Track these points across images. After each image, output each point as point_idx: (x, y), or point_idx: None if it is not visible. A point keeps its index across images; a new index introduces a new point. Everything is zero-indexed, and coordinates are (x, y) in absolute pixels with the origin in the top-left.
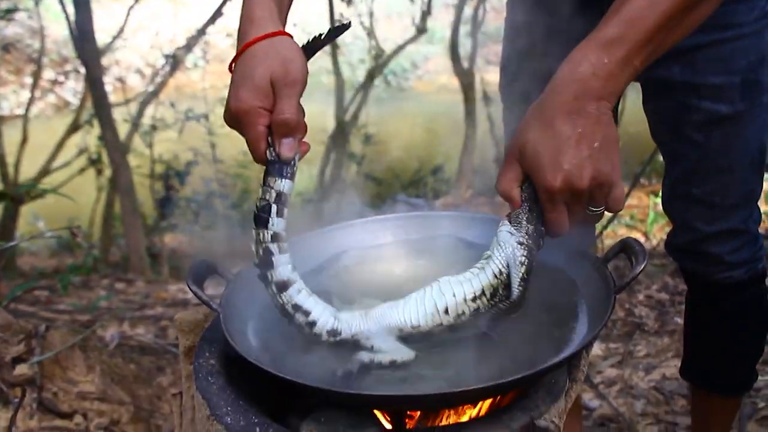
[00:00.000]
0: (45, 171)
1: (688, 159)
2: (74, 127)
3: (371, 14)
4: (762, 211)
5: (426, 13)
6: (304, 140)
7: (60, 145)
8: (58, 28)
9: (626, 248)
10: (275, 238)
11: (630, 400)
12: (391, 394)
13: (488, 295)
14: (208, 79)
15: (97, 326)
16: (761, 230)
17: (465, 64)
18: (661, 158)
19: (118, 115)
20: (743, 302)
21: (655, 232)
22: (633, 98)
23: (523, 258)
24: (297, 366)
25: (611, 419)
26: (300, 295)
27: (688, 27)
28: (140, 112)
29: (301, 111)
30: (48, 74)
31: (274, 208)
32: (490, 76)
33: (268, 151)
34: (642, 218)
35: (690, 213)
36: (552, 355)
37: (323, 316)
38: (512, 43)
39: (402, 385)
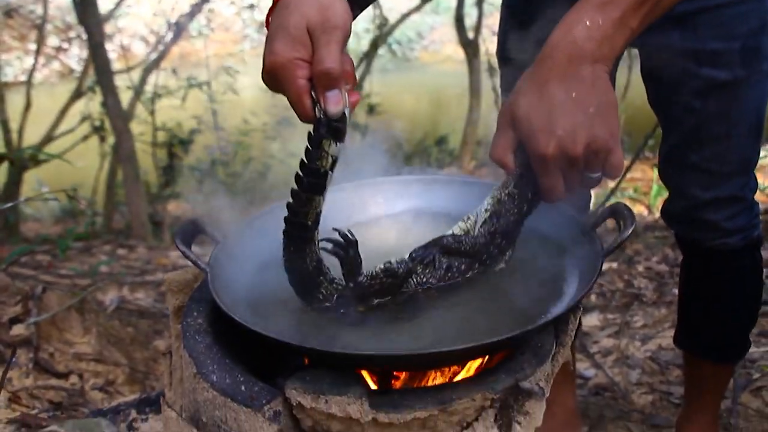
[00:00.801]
0: (48, 137)
1: (686, 125)
2: (77, 94)
3: None
4: (759, 181)
5: None
6: (354, 91)
7: (63, 112)
8: None
9: (615, 213)
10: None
11: (625, 370)
12: (374, 353)
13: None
14: (212, 47)
15: (93, 289)
16: (757, 199)
17: (470, 35)
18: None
19: (122, 82)
20: (738, 269)
21: (659, 204)
22: (638, 69)
23: (489, 206)
24: (285, 326)
25: (606, 388)
26: None
27: None
28: (143, 80)
29: (348, 59)
30: (52, 41)
31: (329, 175)
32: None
33: (316, 108)
34: (645, 191)
35: (686, 180)
36: (538, 317)
37: None
38: (509, 8)
39: (387, 345)
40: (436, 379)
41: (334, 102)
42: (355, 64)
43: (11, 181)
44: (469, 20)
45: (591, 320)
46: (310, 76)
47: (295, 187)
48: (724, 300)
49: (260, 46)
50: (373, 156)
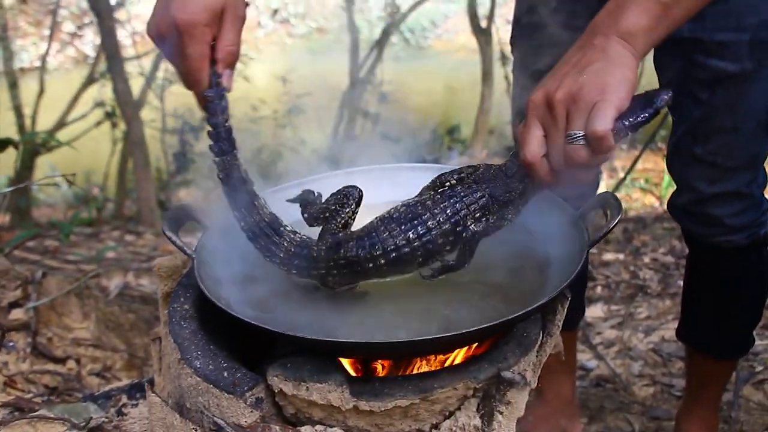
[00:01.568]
0: (61, 123)
1: (693, 117)
2: (90, 80)
3: None
4: None
5: None
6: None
7: (76, 98)
8: None
9: (603, 203)
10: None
11: (628, 362)
12: (352, 341)
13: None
14: None
15: (93, 274)
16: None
17: (483, 24)
18: None
19: (134, 68)
20: (742, 267)
21: (669, 195)
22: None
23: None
24: (269, 313)
25: (608, 380)
26: None
27: None
28: (155, 66)
29: None
30: (67, 26)
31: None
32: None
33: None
34: (657, 182)
35: (692, 172)
36: (521, 307)
37: None
38: None
39: (369, 333)
40: (421, 368)
41: (230, 80)
42: (366, 52)
43: (23, 166)
44: (483, 9)
45: (595, 311)
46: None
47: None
48: (728, 297)
49: (274, 34)
50: (384, 145)
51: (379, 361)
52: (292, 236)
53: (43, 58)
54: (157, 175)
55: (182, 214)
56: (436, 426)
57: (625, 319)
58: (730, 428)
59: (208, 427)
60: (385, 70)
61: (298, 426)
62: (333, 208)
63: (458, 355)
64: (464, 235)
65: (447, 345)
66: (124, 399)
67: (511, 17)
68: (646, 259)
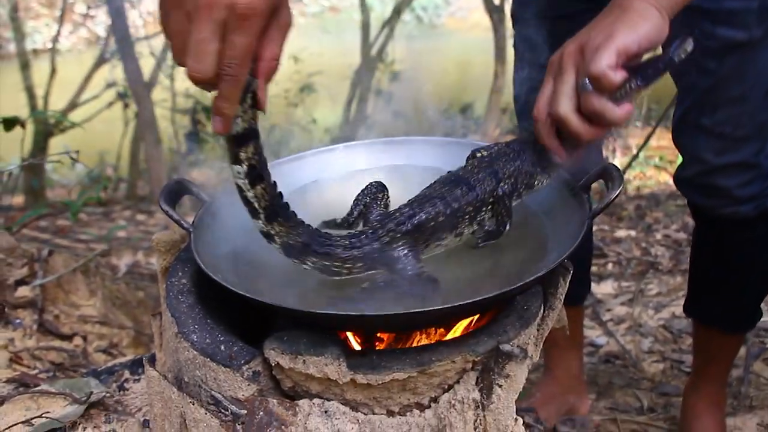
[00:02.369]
0: (73, 104)
1: (700, 88)
2: (101, 61)
3: None
4: None
5: None
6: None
7: (88, 79)
8: None
9: (604, 174)
10: None
11: (637, 338)
12: (347, 314)
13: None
14: None
15: (100, 252)
16: None
17: (496, 1)
18: None
19: (144, 49)
20: (750, 239)
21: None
22: None
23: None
24: (265, 287)
25: (617, 356)
26: None
27: None
28: (166, 46)
29: None
30: (79, 8)
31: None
32: None
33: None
34: (671, 160)
35: (699, 144)
36: (521, 279)
37: None
38: None
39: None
40: (421, 342)
41: (265, 94)
42: (377, 29)
43: (37, 147)
44: None
45: (605, 288)
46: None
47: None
48: (735, 269)
49: None
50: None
51: (379, 334)
52: (343, 242)
53: (55, 39)
54: (168, 155)
55: (180, 188)
56: (434, 399)
57: (636, 295)
58: (740, 403)
59: (206, 401)
60: (397, 48)
61: (295, 399)
62: (368, 200)
63: (458, 329)
64: (498, 194)
65: (445, 317)
66: (127, 374)
67: None
68: (658, 236)
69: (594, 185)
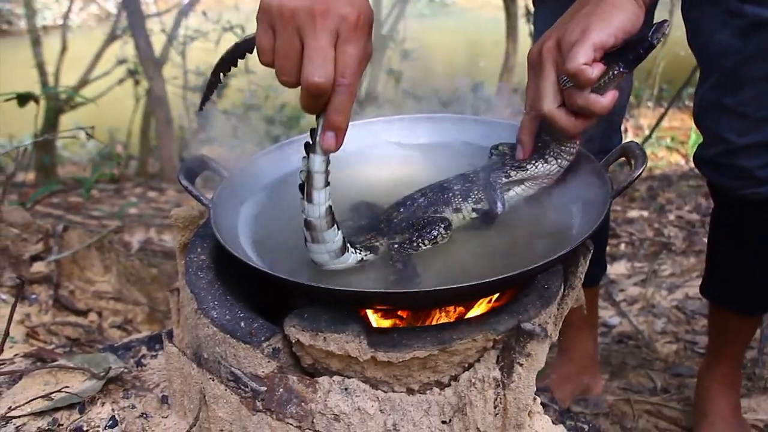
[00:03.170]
0: (84, 81)
1: (724, 66)
2: (112, 37)
3: None
4: None
5: None
6: None
7: (98, 56)
8: None
9: (627, 152)
10: None
11: (651, 319)
12: (368, 291)
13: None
14: None
15: (114, 228)
16: None
17: None
18: None
19: (156, 25)
20: None
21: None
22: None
23: None
24: (284, 263)
25: (630, 337)
26: None
27: None
28: (177, 23)
29: None
30: None
31: None
32: None
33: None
34: (683, 140)
35: (721, 123)
36: (542, 258)
37: None
38: None
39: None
40: (440, 320)
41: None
42: (389, 9)
43: (48, 124)
44: None
45: (618, 268)
46: None
47: None
48: (754, 251)
49: None
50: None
51: (399, 312)
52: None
53: (66, 16)
54: (179, 132)
55: (199, 164)
56: (455, 378)
57: (649, 276)
58: (754, 385)
59: (225, 377)
60: (408, 26)
61: (315, 377)
62: None
63: (477, 308)
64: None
65: (467, 295)
66: (144, 350)
67: None
68: (671, 217)
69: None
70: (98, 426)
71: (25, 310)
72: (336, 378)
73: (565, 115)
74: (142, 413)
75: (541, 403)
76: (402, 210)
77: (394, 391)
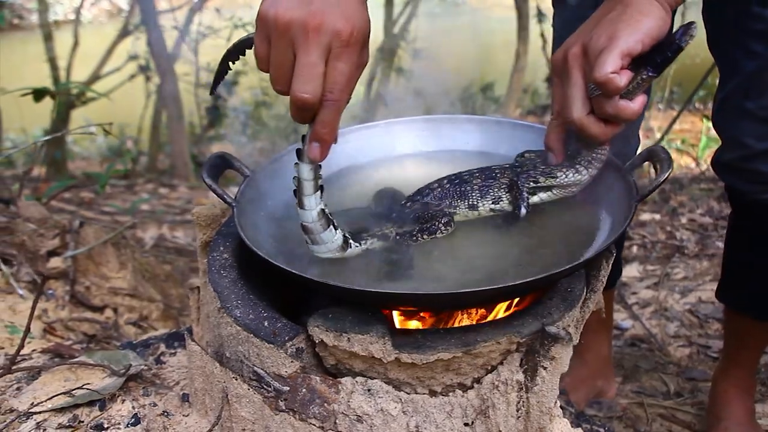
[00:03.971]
0: (95, 76)
1: (745, 71)
2: (124, 33)
3: None
4: None
5: None
6: None
7: (110, 51)
8: None
9: (652, 156)
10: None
11: (663, 322)
12: (395, 292)
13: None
14: None
15: (130, 224)
16: None
17: None
18: (716, 81)
19: (168, 22)
20: None
21: (706, 157)
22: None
23: None
24: (309, 263)
25: (642, 340)
26: None
27: None
28: (189, 19)
29: None
30: None
31: None
32: None
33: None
34: (694, 143)
35: (741, 128)
36: (567, 261)
37: None
38: None
39: (412, 284)
40: (462, 322)
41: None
42: (401, 8)
43: (59, 118)
44: None
45: (631, 271)
46: None
47: None
48: None
49: None
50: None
51: (422, 314)
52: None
53: (78, 11)
54: (189, 129)
55: (222, 163)
56: (477, 380)
57: (661, 279)
58: (767, 390)
59: (248, 377)
60: (419, 26)
61: (338, 377)
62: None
63: (500, 310)
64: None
65: (492, 298)
66: (163, 347)
67: None
68: (683, 220)
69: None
70: (119, 423)
71: (42, 305)
72: (359, 379)
73: (594, 123)
74: (164, 411)
75: (560, 406)
76: (418, 199)
77: (416, 393)
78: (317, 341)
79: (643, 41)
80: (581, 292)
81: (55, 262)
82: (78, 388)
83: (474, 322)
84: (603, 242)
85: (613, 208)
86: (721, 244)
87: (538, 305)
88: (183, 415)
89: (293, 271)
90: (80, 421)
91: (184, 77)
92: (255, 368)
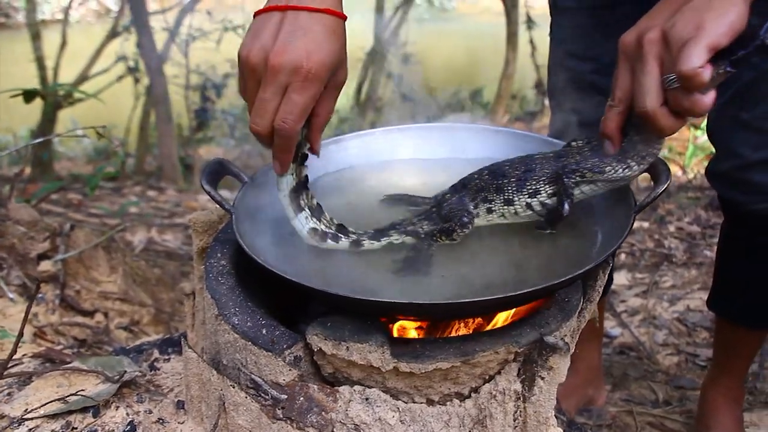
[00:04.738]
0: (83, 77)
1: (741, 81)
2: (113, 34)
3: None
4: None
5: None
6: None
7: (98, 52)
8: None
9: (650, 168)
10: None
11: (652, 330)
12: (394, 301)
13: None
14: None
15: (120, 228)
16: None
17: None
18: None
19: (158, 23)
20: None
21: (693, 165)
22: None
23: None
24: (308, 270)
25: (631, 348)
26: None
27: None
28: (179, 21)
29: None
30: None
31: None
32: None
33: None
34: (681, 151)
35: (736, 138)
36: (565, 272)
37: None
38: None
39: (410, 293)
40: (460, 331)
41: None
42: (391, 13)
43: (46, 119)
44: None
45: (619, 279)
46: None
47: None
48: (764, 266)
49: None
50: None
51: (420, 324)
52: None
53: (66, 11)
54: (178, 131)
55: (220, 168)
56: (475, 389)
57: (650, 287)
58: (756, 399)
59: (245, 384)
60: (408, 31)
61: (336, 386)
62: None
63: (498, 320)
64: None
65: (490, 308)
66: (156, 353)
67: None
68: (671, 228)
69: None
70: (113, 430)
71: (32, 309)
72: (357, 388)
73: (667, 115)
74: (159, 418)
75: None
76: (454, 191)
77: (414, 402)
78: (316, 349)
79: (728, 35)
80: (578, 302)
81: (46, 266)
82: (72, 394)
83: (470, 332)
84: (601, 253)
85: (611, 218)
86: (708, 253)
87: (536, 315)
88: (178, 423)
89: (299, 281)
90: (74, 428)
91: (174, 79)
92: (252, 376)
